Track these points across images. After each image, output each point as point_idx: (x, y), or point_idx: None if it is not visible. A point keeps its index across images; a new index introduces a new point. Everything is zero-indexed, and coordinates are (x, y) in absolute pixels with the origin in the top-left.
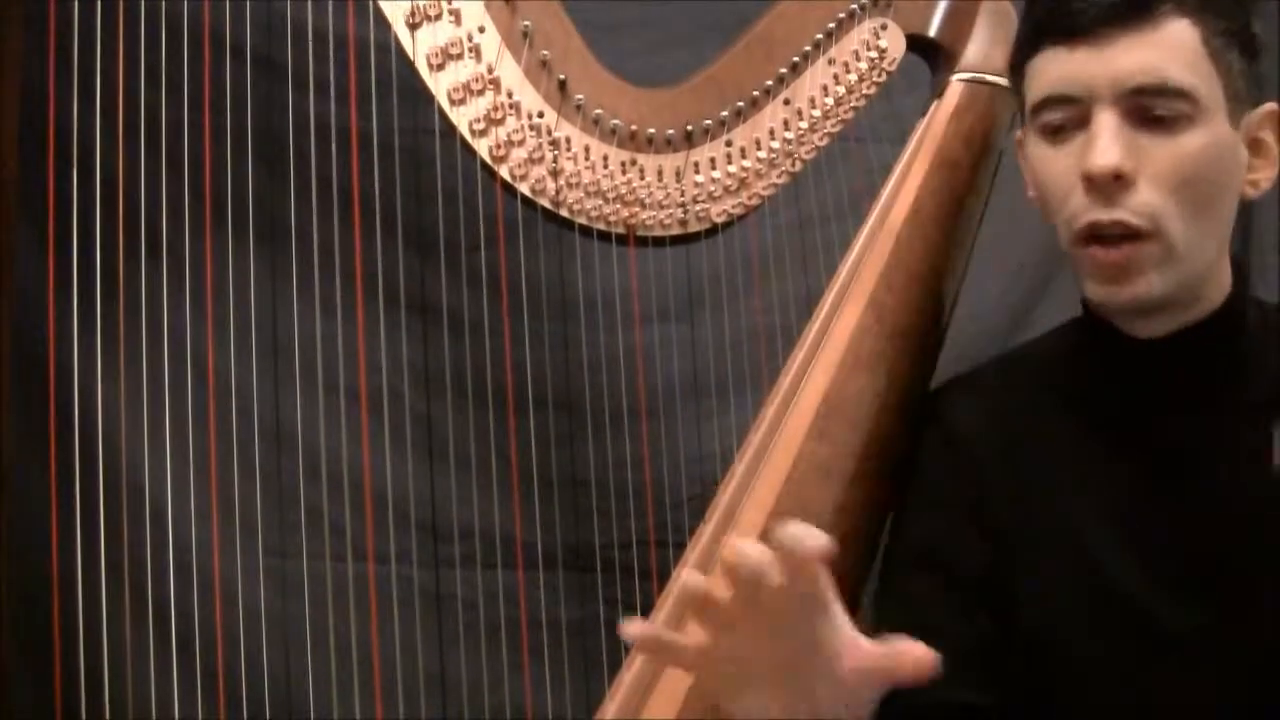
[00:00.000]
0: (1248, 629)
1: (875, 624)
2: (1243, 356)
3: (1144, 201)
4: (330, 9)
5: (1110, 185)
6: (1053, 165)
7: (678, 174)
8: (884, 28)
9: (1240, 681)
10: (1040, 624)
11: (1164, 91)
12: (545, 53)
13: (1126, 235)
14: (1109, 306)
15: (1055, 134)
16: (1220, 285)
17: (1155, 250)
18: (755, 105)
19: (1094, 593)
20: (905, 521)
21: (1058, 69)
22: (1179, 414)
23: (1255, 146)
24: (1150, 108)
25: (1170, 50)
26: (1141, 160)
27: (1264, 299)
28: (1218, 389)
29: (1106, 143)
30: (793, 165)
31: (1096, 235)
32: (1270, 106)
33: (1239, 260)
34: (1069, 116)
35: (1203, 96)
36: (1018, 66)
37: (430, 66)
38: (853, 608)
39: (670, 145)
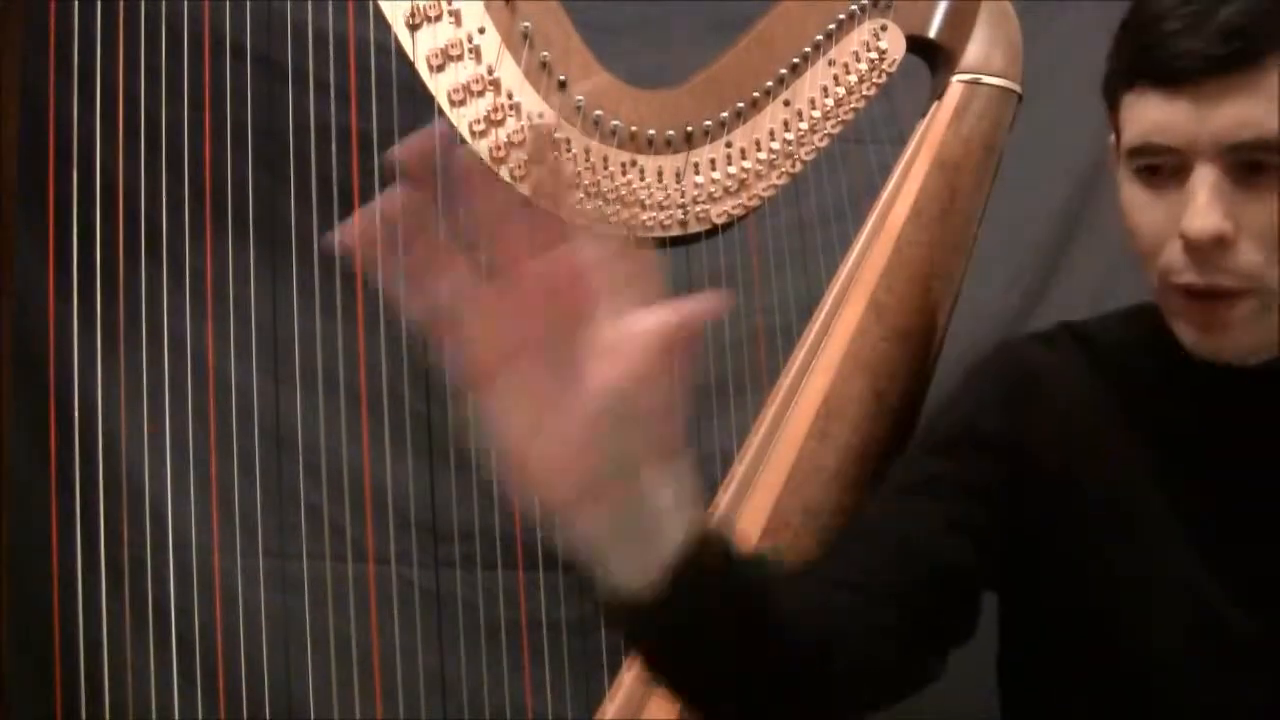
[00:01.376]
0: None
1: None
2: None
3: (1247, 262)
4: (330, 9)
5: (1209, 248)
6: (1147, 214)
7: (678, 175)
8: (884, 29)
9: None
10: (1109, 617)
11: (1269, 146)
12: (545, 54)
13: (1226, 292)
14: (1202, 356)
15: (1151, 179)
16: None
17: (1255, 305)
18: (755, 106)
19: (1171, 601)
20: (913, 455)
21: (1155, 116)
22: (1266, 441)
23: None
24: (1254, 162)
25: (1276, 101)
26: (1244, 218)
27: None
28: None
29: (1207, 205)
30: (793, 166)
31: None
32: None
33: None
34: (1166, 164)
35: None
36: (1111, 88)
37: (430, 67)
38: None
39: (670, 146)
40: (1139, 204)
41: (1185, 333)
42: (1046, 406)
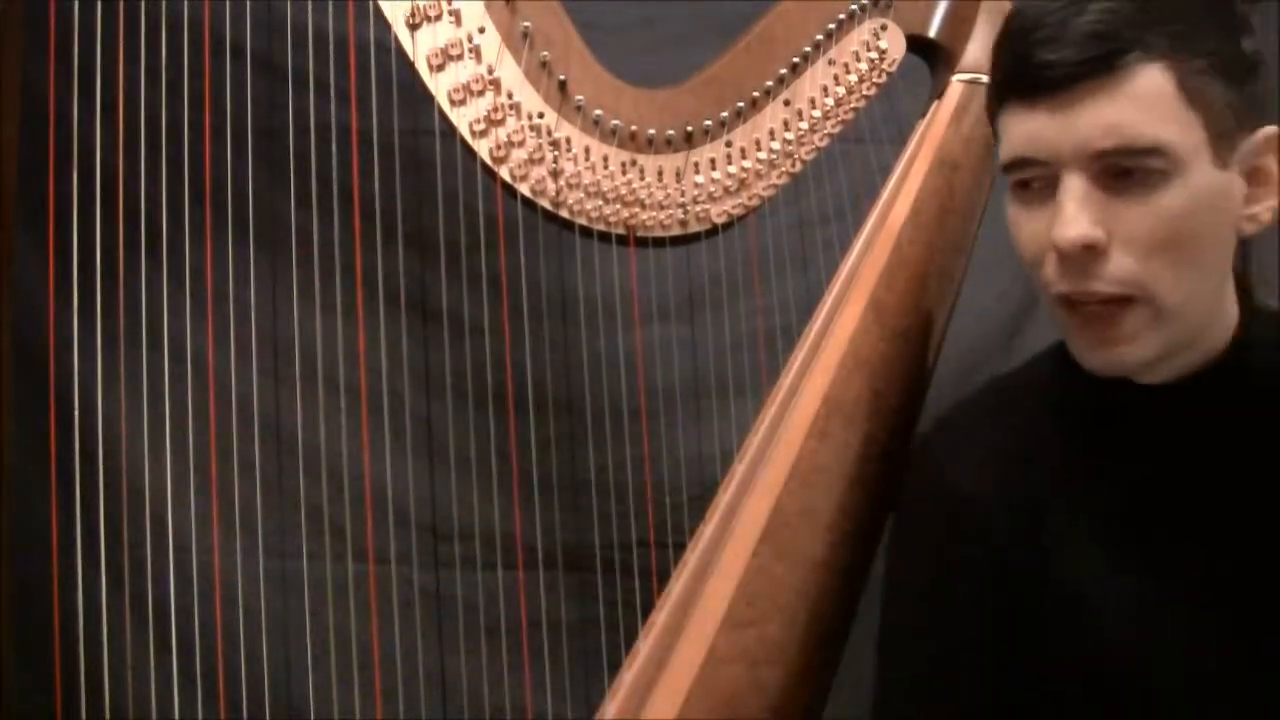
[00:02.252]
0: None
1: (882, 680)
2: (1253, 393)
3: (1119, 268)
4: (330, 9)
5: (1081, 256)
6: (1024, 228)
7: (678, 174)
8: (884, 28)
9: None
10: (1071, 676)
11: (1133, 151)
12: (545, 53)
13: (1108, 300)
14: (1102, 372)
15: (1026, 193)
16: (1225, 325)
17: (1145, 313)
18: (755, 106)
19: (1119, 645)
20: (900, 635)
21: (1022, 129)
22: (1188, 457)
23: (1254, 175)
24: (1121, 168)
25: (1139, 104)
26: (1115, 225)
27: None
28: (1228, 430)
29: (1073, 213)
30: (793, 166)
31: (1071, 304)
32: (1269, 130)
33: (1244, 282)
34: (1038, 177)
35: (1178, 148)
36: (992, 117)
37: (430, 67)
38: (852, 610)
39: (670, 146)
40: (1019, 220)
41: (1081, 350)
42: (981, 518)
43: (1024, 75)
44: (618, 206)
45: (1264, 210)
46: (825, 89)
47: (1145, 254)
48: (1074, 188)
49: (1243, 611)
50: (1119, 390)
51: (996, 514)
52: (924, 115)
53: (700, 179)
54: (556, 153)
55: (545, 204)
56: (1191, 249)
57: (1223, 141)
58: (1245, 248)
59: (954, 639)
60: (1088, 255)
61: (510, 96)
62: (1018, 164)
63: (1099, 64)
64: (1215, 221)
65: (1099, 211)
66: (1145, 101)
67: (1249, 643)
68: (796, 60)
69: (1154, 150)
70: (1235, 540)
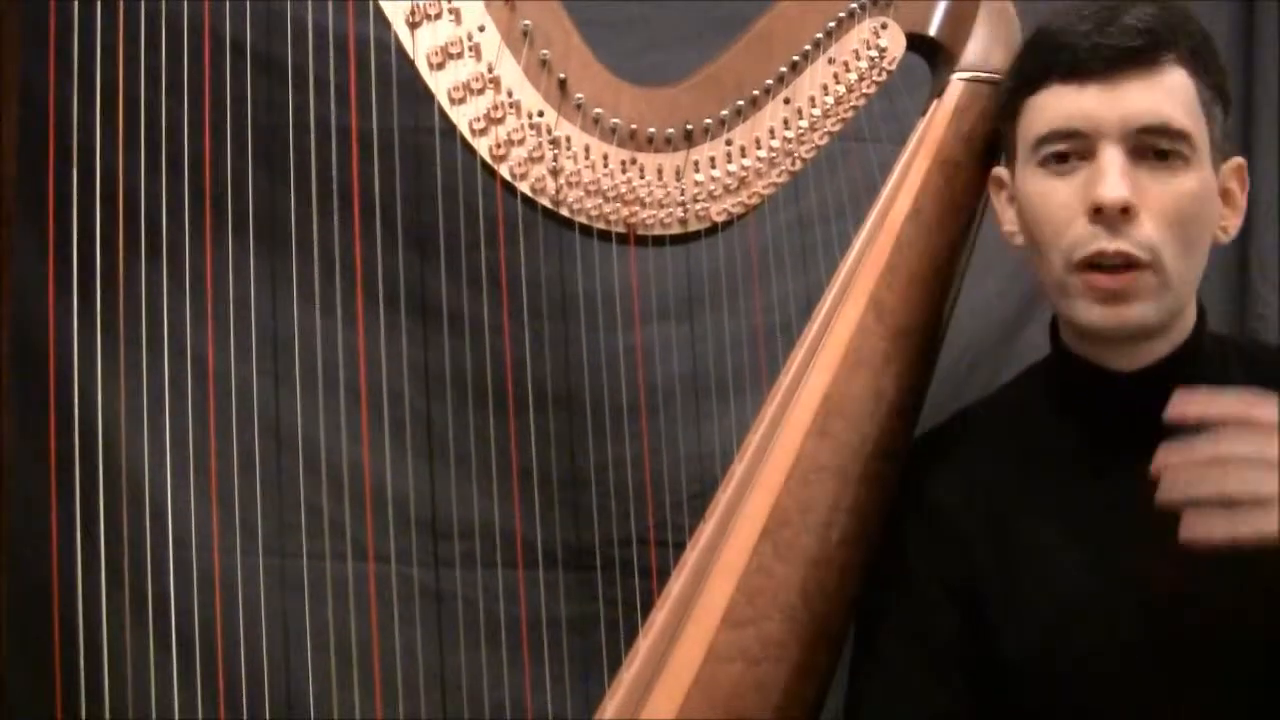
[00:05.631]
0: (1222, 661)
1: (852, 689)
2: (1207, 381)
3: (1146, 234)
4: (330, 8)
5: (1117, 218)
6: (1055, 196)
7: (678, 173)
8: (884, 27)
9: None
10: (1033, 669)
11: (1167, 132)
12: (545, 52)
13: (1128, 264)
14: (1104, 330)
15: (1058, 165)
16: (1189, 320)
17: (1153, 281)
18: (755, 104)
19: (1086, 643)
20: (881, 596)
21: (1067, 105)
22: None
23: (1225, 196)
24: (1154, 146)
25: (1172, 95)
26: (1144, 196)
27: (1224, 334)
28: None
29: (1116, 177)
30: (793, 164)
31: (1097, 264)
32: (1238, 160)
33: (1200, 301)
34: (1074, 150)
35: (1197, 141)
36: (1012, 102)
37: (430, 65)
38: (852, 608)
39: (670, 144)
40: (1046, 190)
41: (1086, 312)
42: (955, 525)
43: (1076, 55)
44: (617, 205)
45: (1230, 226)
46: (825, 87)
47: (1164, 226)
48: (1115, 157)
49: (1207, 609)
50: (1092, 378)
51: (969, 522)
52: (924, 114)
53: (700, 177)
54: (556, 151)
55: (545, 202)
56: (1194, 233)
57: (1216, 155)
58: (1245, 247)
59: (926, 629)
60: (1122, 217)
61: (510, 95)
62: (1058, 136)
63: (1145, 53)
64: (1210, 217)
65: (1134, 182)
66: (1177, 95)
67: (1205, 630)
68: (796, 58)
69: (1183, 135)
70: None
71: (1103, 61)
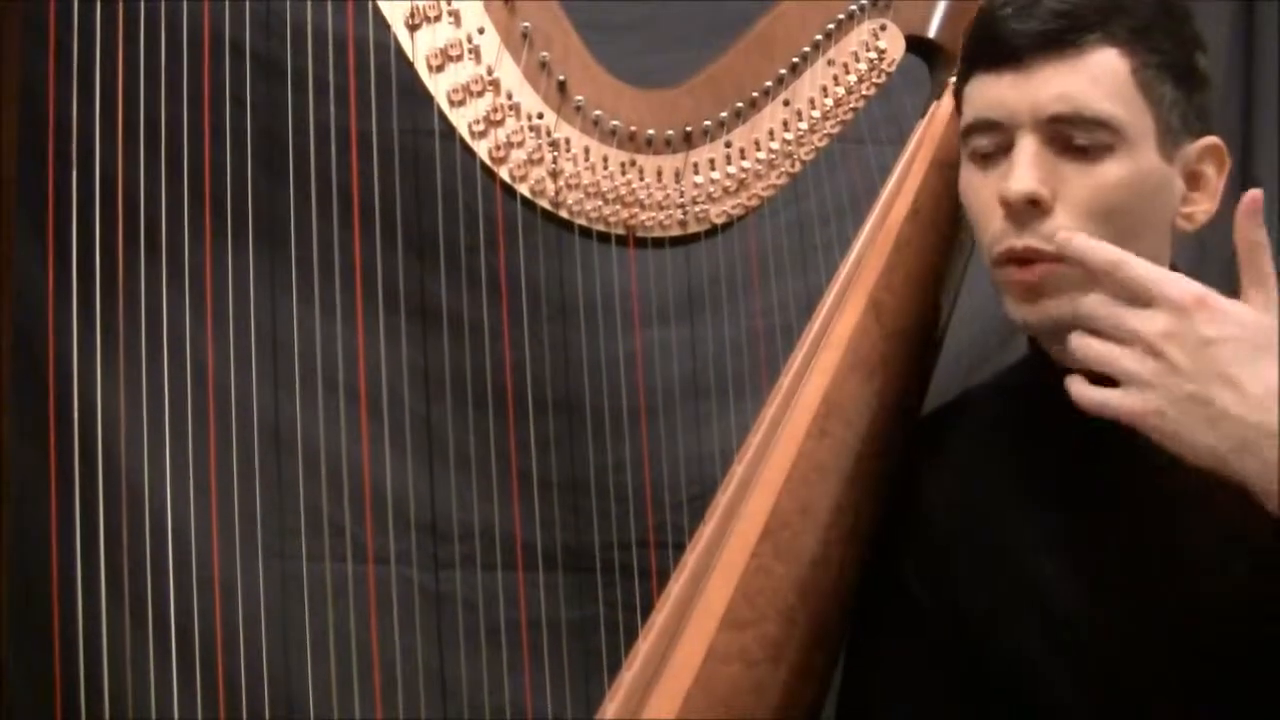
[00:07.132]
0: (1203, 669)
1: (844, 689)
2: None
3: (1059, 227)
4: (330, 9)
5: (1026, 211)
6: (979, 191)
7: (677, 175)
8: (883, 28)
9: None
10: (1003, 667)
11: (1082, 120)
12: (545, 54)
13: (1045, 259)
14: (1030, 326)
15: (983, 160)
16: None
17: (1073, 274)
18: (755, 106)
19: (1058, 643)
20: (876, 595)
21: (985, 95)
22: (1119, 448)
23: (1193, 180)
24: (1070, 136)
25: (1093, 80)
26: (1060, 187)
27: None
28: None
29: (1023, 169)
30: (792, 166)
31: (1014, 258)
32: (1211, 140)
33: None
34: (995, 142)
35: (1125, 126)
36: (958, 94)
37: (430, 68)
38: (851, 609)
39: (670, 146)
40: (971, 184)
41: (1015, 309)
42: (941, 517)
43: (992, 44)
44: (617, 207)
45: (1199, 212)
46: (824, 89)
47: (1083, 218)
48: (1027, 147)
49: (1183, 594)
50: (1060, 374)
51: (954, 523)
52: (924, 115)
53: (700, 179)
54: (556, 153)
55: (545, 204)
56: (1126, 224)
57: (1168, 138)
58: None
59: (919, 629)
60: (1031, 211)
61: (510, 97)
62: (978, 127)
63: (1061, 38)
64: (1152, 207)
65: (1047, 172)
66: (1099, 79)
67: (1183, 621)
68: (796, 60)
69: (1101, 123)
70: (1165, 517)
71: (1017, 48)
